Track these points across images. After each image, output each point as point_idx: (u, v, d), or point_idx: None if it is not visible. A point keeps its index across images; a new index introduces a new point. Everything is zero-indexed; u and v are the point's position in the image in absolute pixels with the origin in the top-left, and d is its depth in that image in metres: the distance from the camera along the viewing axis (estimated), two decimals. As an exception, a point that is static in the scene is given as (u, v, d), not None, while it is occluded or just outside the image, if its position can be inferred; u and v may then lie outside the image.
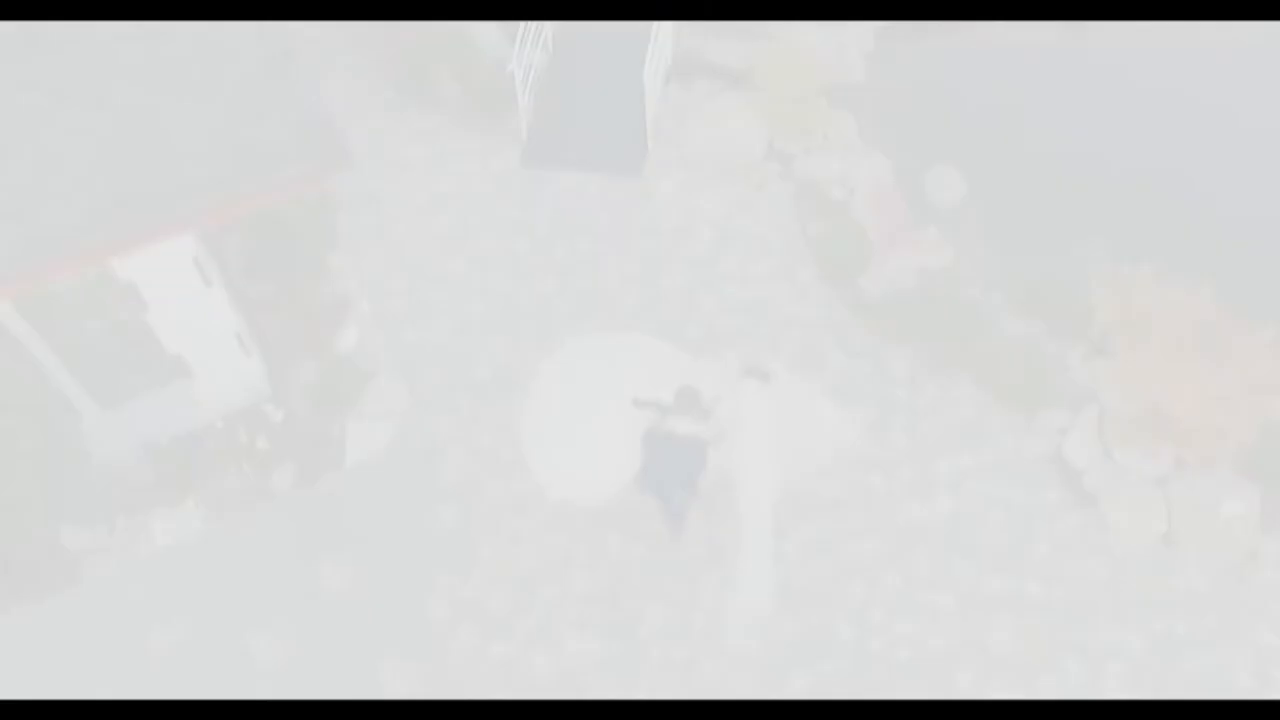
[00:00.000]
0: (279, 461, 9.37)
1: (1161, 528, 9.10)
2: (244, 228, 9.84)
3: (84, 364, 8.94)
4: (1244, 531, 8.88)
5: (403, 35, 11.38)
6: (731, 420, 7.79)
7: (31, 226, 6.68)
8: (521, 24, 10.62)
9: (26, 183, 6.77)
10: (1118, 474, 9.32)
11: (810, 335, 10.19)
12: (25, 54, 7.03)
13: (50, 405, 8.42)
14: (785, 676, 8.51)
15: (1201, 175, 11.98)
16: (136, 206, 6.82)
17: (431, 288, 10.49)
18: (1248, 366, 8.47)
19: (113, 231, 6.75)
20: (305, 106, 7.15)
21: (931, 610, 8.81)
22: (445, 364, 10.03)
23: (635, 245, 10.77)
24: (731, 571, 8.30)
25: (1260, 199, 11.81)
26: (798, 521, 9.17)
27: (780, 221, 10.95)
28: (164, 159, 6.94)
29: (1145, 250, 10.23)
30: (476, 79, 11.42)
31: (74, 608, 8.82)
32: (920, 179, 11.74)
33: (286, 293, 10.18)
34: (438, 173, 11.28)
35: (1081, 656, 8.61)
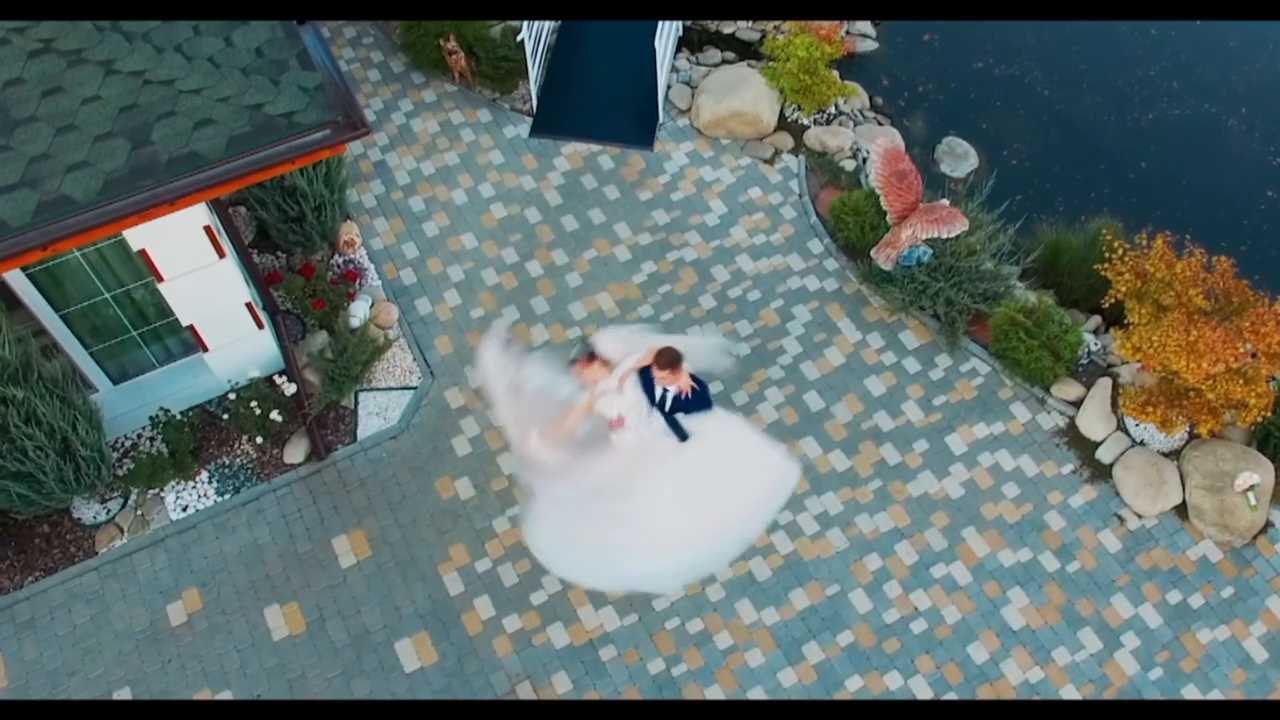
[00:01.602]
0: (292, 434, 9.32)
1: (1176, 500, 9.09)
2: (255, 200, 9.78)
3: (98, 336, 8.89)
4: (1259, 503, 8.87)
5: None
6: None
7: (46, 194, 6.59)
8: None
9: (40, 150, 6.68)
10: (1132, 446, 9.31)
11: (823, 307, 10.15)
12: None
13: (62, 379, 8.34)
14: (801, 648, 8.50)
15: (1217, 144, 11.97)
16: (151, 174, 6.72)
17: (442, 259, 10.43)
18: (1265, 338, 8.41)
19: (128, 200, 6.66)
20: (321, 71, 7.05)
21: (946, 583, 8.80)
22: (457, 336, 9.98)
23: (646, 216, 10.71)
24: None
25: (1277, 166, 11.77)
26: (812, 494, 9.16)
27: (792, 192, 10.90)
28: (178, 126, 6.84)
29: (1160, 220, 10.20)
30: (485, 49, 11.31)
31: (89, 582, 8.78)
32: (933, 149, 11.72)
33: (298, 264, 10.12)
34: (447, 144, 11.21)
35: (1097, 629, 8.61)
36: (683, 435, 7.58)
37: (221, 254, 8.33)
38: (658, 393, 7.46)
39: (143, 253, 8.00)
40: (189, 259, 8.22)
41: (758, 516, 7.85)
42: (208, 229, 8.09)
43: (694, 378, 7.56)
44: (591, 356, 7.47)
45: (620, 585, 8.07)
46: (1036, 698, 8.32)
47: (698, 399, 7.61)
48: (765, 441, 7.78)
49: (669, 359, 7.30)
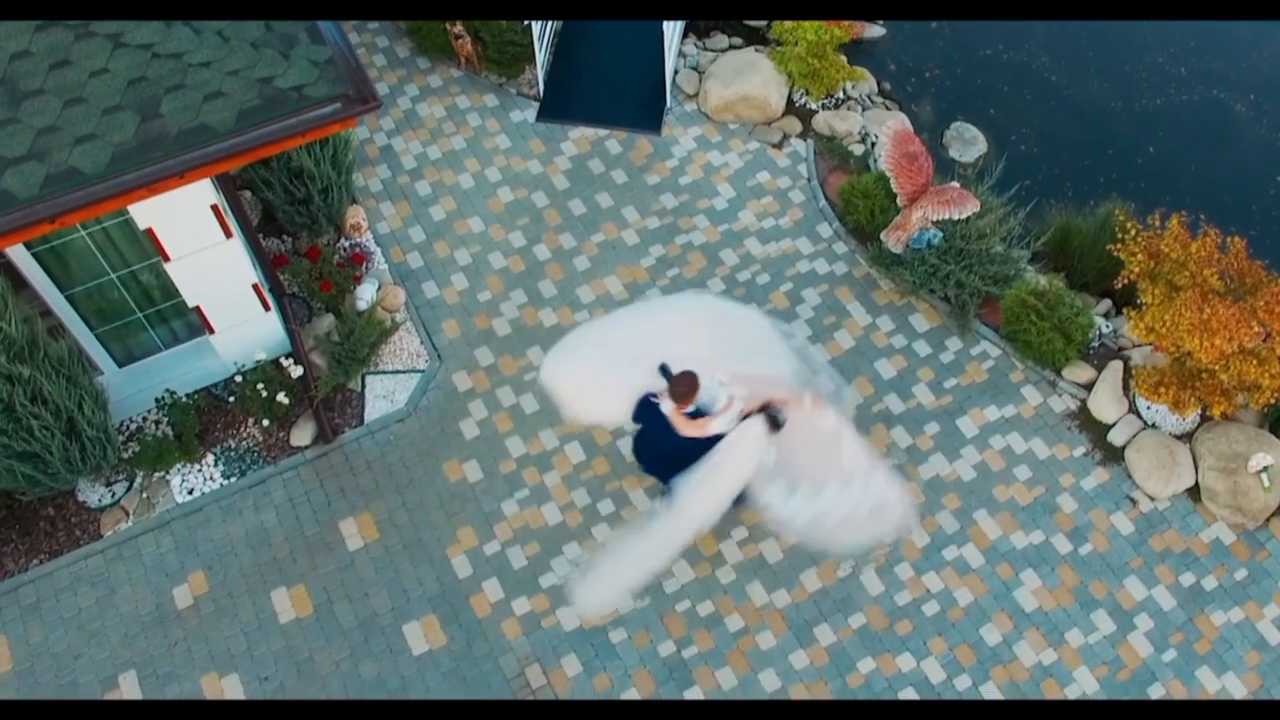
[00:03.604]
0: (299, 417, 9.26)
1: (1189, 482, 9.04)
2: (261, 181, 9.70)
3: (103, 317, 8.83)
4: (1273, 485, 8.82)
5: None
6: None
7: (54, 167, 6.52)
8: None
9: (48, 123, 6.61)
10: (1144, 429, 9.26)
11: (832, 290, 10.10)
12: (44, -8, 6.86)
13: (69, 358, 8.27)
14: (812, 630, 8.44)
15: (1226, 130, 11.93)
16: (161, 147, 6.66)
17: (449, 243, 10.37)
18: (1279, 318, 8.36)
19: (137, 172, 6.59)
20: (331, 45, 6.99)
21: (958, 565, 8.74)
22: (464, 319, 9.92)
23: (654, 200, 10.66)
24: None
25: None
26: (822, 477, 9.11)
27: (800, 176, 10.85)
28: (187, 99, 6.77)
29: (1170, 205, 10.13)
30: (492, 34, 11.24)
31: (94, 565, 8.71)
32: (941, 134, 11.68)
33: (304, 247, 10.06)
34: (453, 129, 11.15)
35: (1110, 611, 8.55)
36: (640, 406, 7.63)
37: (228, 233, 8.27)
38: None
39: (149, 231, 7.93)
40: (196, 238, 8.16)
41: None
42: (214, 208, 8.03)
43: (652, 428, 7.58)
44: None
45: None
46: (1049, 682, 8.27)
47: (644, 412, 7.64)
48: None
49: (676, 382, 7.27)
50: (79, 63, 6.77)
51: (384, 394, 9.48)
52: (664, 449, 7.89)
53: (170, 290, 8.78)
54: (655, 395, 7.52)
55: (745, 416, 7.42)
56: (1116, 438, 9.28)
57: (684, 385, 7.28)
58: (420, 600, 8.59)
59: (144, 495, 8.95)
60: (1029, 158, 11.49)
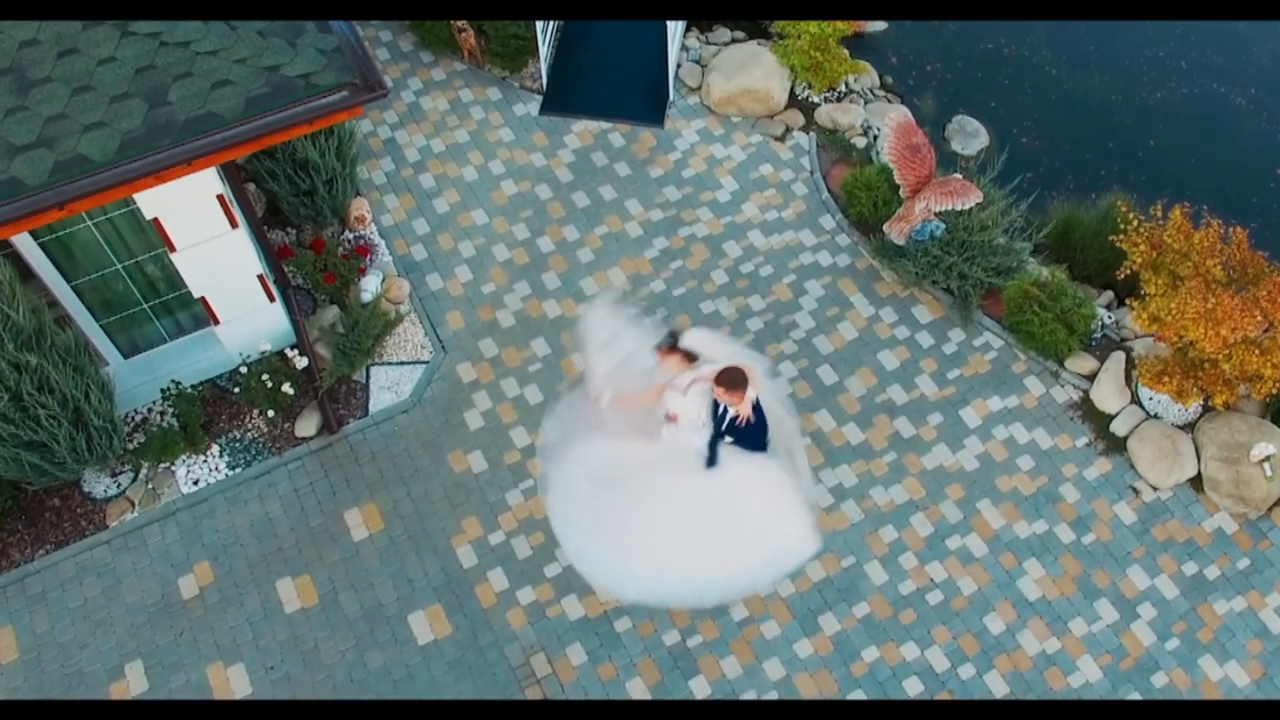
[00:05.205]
0: (303, 408, 9.27)
1: (1191, 472, 9.07)
2: (266, 173, 9.72)
3: (109, 308, 8.84)
4: (1275, 474, 8.85)
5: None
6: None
7: (63, 154, 6.53)
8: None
9: (57, 110, 6.62)
10: (1146, 419, 9.29)
11: (835, 282, 10.13)
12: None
13: (75, 348, 8.28)
14: (817, 619, 8.46)
15: (1226, 123, 11.97)
16: (168, 134, 6.67)
17: (453, 235, 10.39)
18: (1281, 308, 8.41)
19: (145, 160, 6.60)
20: (337, 34, 7.02)
21: (962, 555, 8.77)
22: (468, 311, 9.94)
23: (657, 193, 10.68)
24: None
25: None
26: (826, 467, 9.13)
27: (803, 169, 10.88)
28: (195, 87, 6.79)
29: (1171, 198, 10.17)
30: (495, 27, 11.27)
31: (100, 555, 8.72)
32: (943, 127, 11.71)
33: (308, 239, 10.08)
34: (457, 122, 11.17)
35: (1113, 600, 8.58)
36: (711, 460, 7.24)
37: (234, 224, 8.29)
38: (721, 408, 7.21)
39: (155, 221, 7.96)
40: (202, 228, 8.18)
41: (755, 574, 7.42)
42: (220, 198, 8.05)
43: (758, 413, 7.18)
44: (673, 347, 7.15)
45: (607, 585, 7.79)
46: (1053, 671, 8.30)
47: (751, 434, 7.28)
48: (796, 506, 7.32)
49: (729, 380, 7.00)
50: (87, 51, 6.79)
51: (388, 385, 9.50)
52: (748, 439, 7.48)
53: (175, 281, 8.80)
54: (734, 418, 7.22)
55: (693, 360, 7.22)
56: (1119, 428, 9.32)
57: (734, 374, 6.97)
58: (425, 590, 8.60)
59: (149, 486, 8.96)
60: (1031, 151, 11.53)
